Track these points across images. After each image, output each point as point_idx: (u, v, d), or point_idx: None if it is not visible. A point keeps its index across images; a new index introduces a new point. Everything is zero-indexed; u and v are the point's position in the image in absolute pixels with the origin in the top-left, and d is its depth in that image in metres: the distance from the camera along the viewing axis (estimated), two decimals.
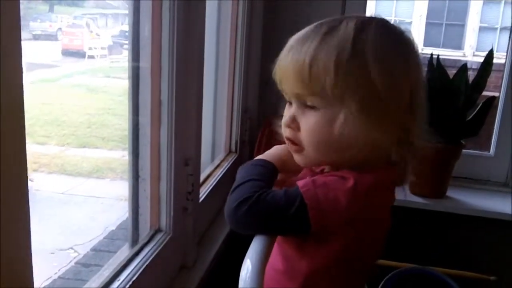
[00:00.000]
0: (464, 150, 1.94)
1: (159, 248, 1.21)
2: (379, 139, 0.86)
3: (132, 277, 1.07)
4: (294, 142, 0.93)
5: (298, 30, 0.93)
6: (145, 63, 1.18)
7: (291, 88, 0.90)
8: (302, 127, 0.91)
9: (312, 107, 0.89)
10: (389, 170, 0.92)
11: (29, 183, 0.64)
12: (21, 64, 0.61)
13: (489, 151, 2.22)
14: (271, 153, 1.03)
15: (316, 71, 0.85)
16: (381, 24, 0.89)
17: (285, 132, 0.95)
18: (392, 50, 0.88)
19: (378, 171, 0.89)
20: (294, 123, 0.92)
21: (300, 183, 0.87)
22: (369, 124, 0.85)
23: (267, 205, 0.87)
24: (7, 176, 0.59)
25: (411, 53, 0.91)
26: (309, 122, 0.90)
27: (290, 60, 0.89)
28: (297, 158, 0.96)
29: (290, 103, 0.94)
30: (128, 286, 1.05)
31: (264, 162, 1.00)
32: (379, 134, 0.85)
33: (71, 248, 3.17)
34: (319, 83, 0.85)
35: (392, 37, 0.90)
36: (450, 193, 2.01)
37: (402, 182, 0.98)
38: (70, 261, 2.74)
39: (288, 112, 0.94)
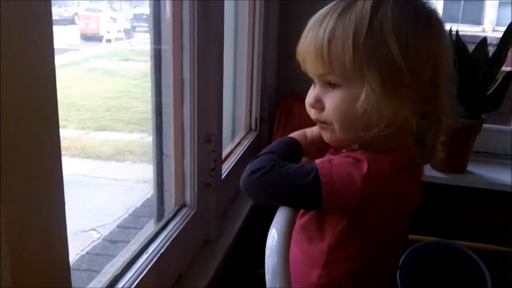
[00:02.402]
0: (484, 125, 1.94)
1: (184, 223, 1.24)
2: (402, 113, 0.85)
3: (160, 249, 1.10)
4: (321, 122, 0.94)
5: (315, 6, 0.93)
6: (167, 43, 1.20)
7: (313, 68, 0.91)
8: (326, 106, 0.91)
9: (335, 86, 0.89)
10: (411, 150, 0.92)
11: None
12: (53, 51, 0.62)
13: (510, 125, 2.21)
14: (297, 132, 1.05)
15: (335, 49, 0.85)
16: None
17: (310, 112, 0.95)
18: (411, 22, 0.86)
19: (398, 151, 0.89)
20: (318, 103, 0.92)
21: (317, 160, 0.89)
22: (391, 99, 0.84)
23: (279, 175, 0.89)
24: (43, 159, 0.62)
25: (432, 24, 0.89)
26: (333, 101, 0.90)
27: (309, 40, 0.89)
28: (326, 136, 0.96)
29: (315, 84, 0.94)
30: (156, 258, 1.07)
31: (287, 138, 1.02)
32: (401, 108, 0.85)
33: (94, 229, 3.22)
34: (339, 61, 0.85)
35: (411, 9, 0.87)
36: (471, 168, 2.00)
37: (428, 159, 0.98)
38: (95, 241, 2.78)
39: (312, 92, 0.94)
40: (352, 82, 0.86)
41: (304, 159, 1.03)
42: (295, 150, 1.01)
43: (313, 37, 0.88)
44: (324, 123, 0.93)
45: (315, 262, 0.95)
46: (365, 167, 0.84)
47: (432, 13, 0.90)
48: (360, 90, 0.85)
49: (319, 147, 1.01)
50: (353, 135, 0.91)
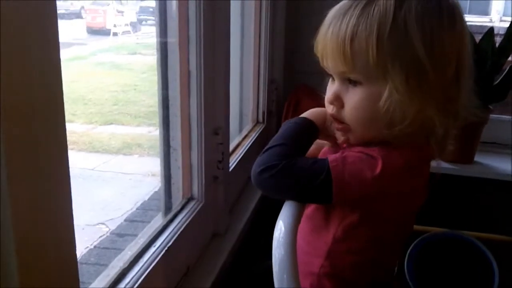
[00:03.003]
0: (492, 115, 1.93)
1: (192, 216, 1.24)
2: (426, 111, 0.84)
3: (168, 243, 1.11)
4: (338, 119, 0.92)
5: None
6: (173, 36, 1.20)
7: (333, 65, 0.88)
8: (346, 104, 0.89)
9: (356, 83, 0.87)
10: (424, 147, 0.90)
11: None
12: (59, 45, 0.62)
13: None
14: (315, 110, 1.01)
15: (358, 46, 0.83)
16: None
17: (328, 109, 0.93)
18: (435, 19, 0.83)
19: (412, 148, 0.88)
20: (337, 101, 0.90)
21: (330, 157, 0.87)
22: (414, 96, 0.82)
23: (290, 176, 0.87)
24: (49, 153, 0.62)
25: (456, 21, 0.86)
26: (354, 99, 0.88)
27: (330, 36, 0.86)
28: (341, 138, 0.95)
29: (333, 79, 0.92)
30: (164, 251, 1.08)
31: (301, 120, 0.98)
32: (425, 106, 0.83)
33: (103, 223, 3.24)
34: (361, 58, 0.83)
35: (435, 6, 0.84)
36: (479, 158, 2.00)
37: (439, 155, 0.95)
38: (102, 235, 2.80)
39: (331, 88, 0.92)
40: (375, 79, 0.84)
41: (319, 141, 1.01)
42: (308, 134, 0.98)
43: (334, 33, 0.86)
44: (341, 123, 0.92)
45: (318, 253, 0.95)
46: (379, 167, 0.83)
47: (455, 8, 0.87)
48: (383, 88, 0.84)
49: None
50: (375, 133, 0.89)
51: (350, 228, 0.91)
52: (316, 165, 0.87)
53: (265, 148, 0.92)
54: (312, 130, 0.97)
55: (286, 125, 0.97)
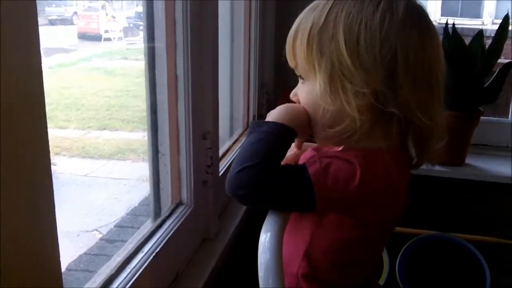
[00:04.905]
0: (482, 117, 1.94)
1: (181, 221, 1.24)
2: (348, 111, 0.83)
3: (156, 248, 1.10)
4: None
5: (312, 2, 0.93)
6: (160, 41, 1.20)
7: (288, 61, 0.93)
8: (299, 100, 0.93)
9: (303, 80, 0.91)
10: (401, 150, 0.90)
11: (52, 167, 0.66)
12: (39, 50, 0.62)
13: (508, 117, 2.21)
14: (287, 113, 0.93)
15: (298, 42, 0.88)
16: None
17: None
18: (366, 19, 0.83)
19: (388, 151, 0.86)
20: (295, 96, 0.94)
21: (311, 169, 0.84)
22: (336, 95, 0.84)
23: (273, 199, 0.85)
24: (30, 161, 0.62)
25: (392, 20, 0.83)
26: (300, 95, 0.92)
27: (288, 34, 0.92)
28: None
29: None
30: (152, 257, 1.07)
31: (279, 128, 0.89)
32: (348, 106, 0.83)
33: (96, 229, 3.22)
34: (300, 55, 0.88)
35: (369, 6, 0.84)
36: (469, 160, 2.01)
37: (418, 163, 0.95)
38: (96, 242, 2.78)
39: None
40: (309, 76, 0.88)
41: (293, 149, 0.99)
42: (286, 144, 0.91)
43: (290, 31, 0.91)
44: None
45: (296, 253, 0.94)
46: (358, 172, 0.82)
47: (396, 11, 0.84)
48: (314, 85, 0.87)
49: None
50: (320, 132, 0.91)
51: (328, 229, 0.90)
52: (297, 183, 0.84)
53: (239, 166, 0.84)
54: (289, 137, 0.91)
55: (259, 135, 0.87)
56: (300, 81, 0.93)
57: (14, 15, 0.57)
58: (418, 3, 0.89)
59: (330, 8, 0.85)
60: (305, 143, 1.01)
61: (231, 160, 1.66)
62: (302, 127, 0.91)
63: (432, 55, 0.87)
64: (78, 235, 3.00)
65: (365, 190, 0.83)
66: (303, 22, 0.87)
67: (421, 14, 0.88)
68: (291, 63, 0.92)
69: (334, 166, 0.84)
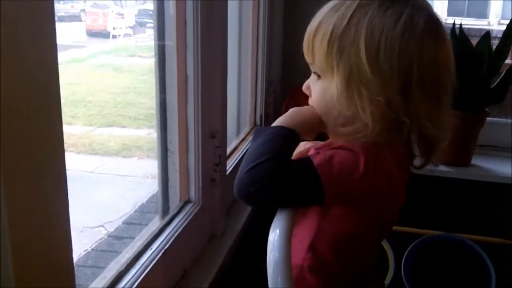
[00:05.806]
0: (488, 118, 1.94)
1: (189, 218, 1.25)
2: (362, 115, 0.85)
3: (164, 245, 1.11)
4: None
5: (319, 2, 0.94)
6: (170, 40, 1.21)
7: (305, 56, 0.94)
8: (312, 94, 0.95)
9: (319, 77, 0.92)
10: (395, 146, 0.91)
11: None
12: (56, 44, 0.63)
13: None
14: (292, 118, 0.96)
15: (317, 41, 0.89)
16: (385, 3, 0.86)
17: None
18: (387, 29, 0.84)
19: (392, 147, 0.89)
20: (308, 90, 0.97)
21: (316, 160, 0.86)
22: (352, 98, 0.85)
23: (283, 191, 0.86)
24: (45, 156, 0.63)
25: (412, 34, 0.85)
26: (314, 91, 0.94)
27: (307, 29, 0.92)
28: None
29: None
30: (160, 254, 1.09)
31: (284, 131, 0.93)
32: (362, 110, 0.85)
33: (102, 226, 3.24)
34: (319, 53, 0.89)
35: (393, 14, 0.85)
36: (475, 161, 2.01)
37: (423, 163, 0.97)
38: (102, 237, 2.80)
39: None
40: (327, 75, 0.90)
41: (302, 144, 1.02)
42: (292, 146, 0.94)
43: (309, 26, 0.92)
44: None
45: (301, 245, 0.95)
46: (361, 161, 0.84)
47: (417, 24, 0.86)
48: (331, 84, 0.88)
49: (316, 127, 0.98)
50: (333, 129, 0.94)
51: (333, 221, 0.92)
52: (303, 176, 0.86)
53: (249, 164, 0.86)
54: (293, 139, 0.93)
55: (266, 137, 0.90)
56: (314, 76, 0.94)
57: (33, 11, 0.58)
58: (438, 17, 0.90)
59: (353, 11, 0.86)
60: (308, 142, 1.03)
61: (238, 158, 1.67)
62: (307, 128, 0.95)
63: (444, 66, 0.89)
64: (81, 231, 3.01)
65: (370, 178, 0.85)
66: (325, 21, 0.88)
67: (438, 28, 0.89)
68: (308, 59, 0.93)
69: (338, 156, 0.87)
